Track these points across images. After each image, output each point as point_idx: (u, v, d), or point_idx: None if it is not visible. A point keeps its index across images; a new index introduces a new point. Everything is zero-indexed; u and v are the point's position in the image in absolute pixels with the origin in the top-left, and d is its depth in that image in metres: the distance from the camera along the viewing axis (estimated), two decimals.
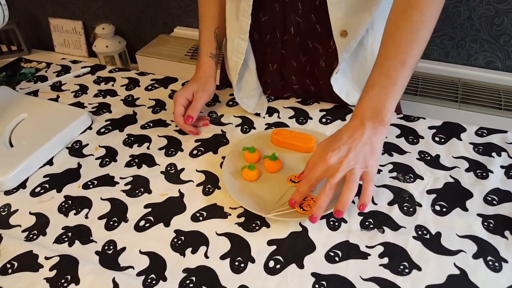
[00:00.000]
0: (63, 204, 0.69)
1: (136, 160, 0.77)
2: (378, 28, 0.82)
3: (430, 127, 0.80)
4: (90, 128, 0.86)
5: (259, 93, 0.91)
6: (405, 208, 0.65)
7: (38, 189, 0.72)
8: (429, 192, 0.67)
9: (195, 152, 0.78)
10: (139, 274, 0.57)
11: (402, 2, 0.65)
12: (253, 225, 0.63)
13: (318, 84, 0.91)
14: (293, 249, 0.59)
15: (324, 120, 0.84)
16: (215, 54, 0.90)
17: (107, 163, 0.76)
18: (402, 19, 0.64)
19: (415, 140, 0.78)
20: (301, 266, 0.57)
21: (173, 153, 0.78)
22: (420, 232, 0.61)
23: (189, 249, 0.60)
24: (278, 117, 0.86)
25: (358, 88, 0.88)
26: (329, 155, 0.61)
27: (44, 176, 0.74)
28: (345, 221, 0.63)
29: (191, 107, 0.82)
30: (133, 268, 0.58)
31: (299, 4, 0.82)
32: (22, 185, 0.73)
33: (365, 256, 0.58)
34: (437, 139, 0.78)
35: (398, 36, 0.64)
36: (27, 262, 0.59)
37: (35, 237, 0.63)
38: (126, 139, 0.82)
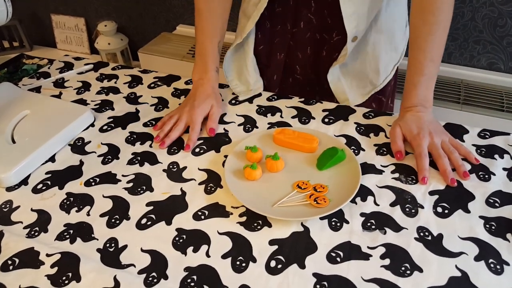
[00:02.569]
0: (65, 201, 0.69)
1: (139, 158, 0.77)
2: (381, 23, 0.87)
3: None
4: (92, 125, 0.86)
5: (254, 82, 0.95)
6: (407, 209, 0.65)
7: (40, 186, 0.72)
8: (431, 193, 0.67)
9: (197, 150, 0.78)
10: (140, 272, 0.57)
11: (417, 8, 0.76)
12: (255, 224, 0.63)
13: (319, 74, 0.96)
14: (295, 249, 0.59)
15: (326, 120, 0.84)
16: (218, 68, 0.91)
17: (109, 160, 0.76)
18: (420, 24, 0.76)
19: None
20: (302, 266, 0.57)
21: (176, 151, 0.78)
22: (422, 234, 0.61)
23: (191, 248, 0.60)
24: (281, 116, 0.86)
25: (354, 79, 0.93)
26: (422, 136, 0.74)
27: (46, 173, 0.74)
28: (347, 222, 0.63)
29: (212, 120, 0.82)
30: (134, 266, 0.58)
31: (312, 1, 0.84)
32: (24, 182, 0.73)
33: (366, 257, 0.58)
34: None
35: (420, 40, 0.76)
36: (28, 259, 0.59)
37: (36, 233, 0.63)
38: (129, 137, 0.82)
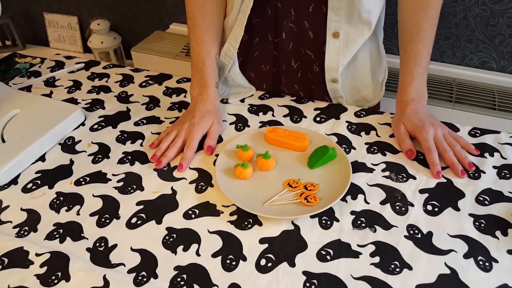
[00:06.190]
0: (54, 200, 0.68)
1: (129, 157, 0.76)
2: (370, 43, 0.88)
3: None
4: (83, 124, 0.85)
5: (242, 89, 0.94)
6: (397, 207, 0.65)
7: (30, 185, 0.71)
8: (421, 191, 0.67)
9: None
10: (130, 271, 0.57)
11: (417, 4, 0.78)
12: (245, 223, 0.63)
13: (309, 89, 0.94)
14: (285, 248, 0.59)
15: (318, 118, 0.84)
16: (218, 84, 0.87)
17: (100, 159, 0.76)
18: (423, 19, 0.78)
19: None
20: (292, 264, 0.57)
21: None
22: (411, 232, 0.61)
23: (181, 247, 0.60)
24: (273, 115, 0.86)
25: (348, 95, 0.93)
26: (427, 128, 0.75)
27: (36, 172, 0.74)
28: (337, 220, 0.63)
29: (211, 138, 0.77)
30: (124, 265, 0.58)
31: (292, 10, 0.83)
32: (14, 181, 0.72)
33: (356, 255, 0.58)
34: None
35: (423, 34, 0.78)
36: (17, 259, 0.59)
37: (26, 233, 0.63)
38: (119, 136, 0.82)
